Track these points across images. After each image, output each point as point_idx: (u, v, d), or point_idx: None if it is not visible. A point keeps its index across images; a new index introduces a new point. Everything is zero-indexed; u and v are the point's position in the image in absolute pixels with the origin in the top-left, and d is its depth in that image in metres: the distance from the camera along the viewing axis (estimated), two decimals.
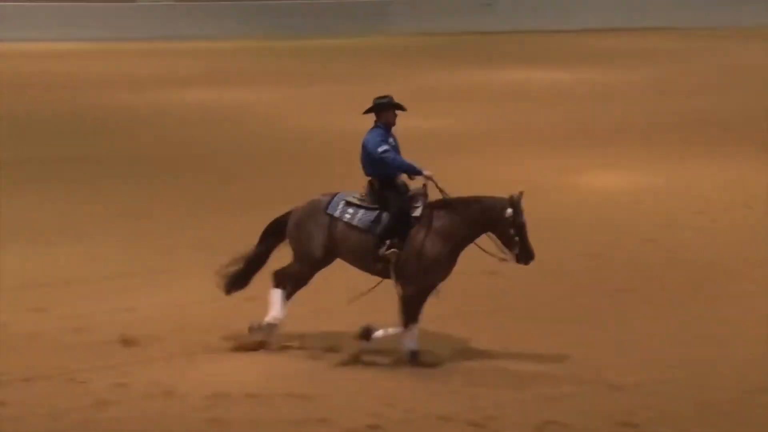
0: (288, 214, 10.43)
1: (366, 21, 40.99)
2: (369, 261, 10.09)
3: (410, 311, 9.97)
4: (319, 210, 10.26)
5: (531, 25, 41.07)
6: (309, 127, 21.90)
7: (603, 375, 9.64)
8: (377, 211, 10.11)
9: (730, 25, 40.05)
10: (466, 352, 10.15)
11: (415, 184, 10.30)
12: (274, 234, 10.51)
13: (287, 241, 10.42)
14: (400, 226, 9.97)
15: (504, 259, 9.91)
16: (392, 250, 9.94)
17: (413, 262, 9.90)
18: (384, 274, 10.05)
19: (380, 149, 10.07)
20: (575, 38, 38.31)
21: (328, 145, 19.89)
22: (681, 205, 15.37)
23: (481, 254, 9.99)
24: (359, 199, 10.23)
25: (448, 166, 18.58)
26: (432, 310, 10.21)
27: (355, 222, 10.15)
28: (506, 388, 9.48)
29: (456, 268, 10.03)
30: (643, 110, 23.59)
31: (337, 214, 10.20)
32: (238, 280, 10.54)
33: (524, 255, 9.84)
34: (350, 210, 10.19)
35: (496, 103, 24.91)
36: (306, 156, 19.25)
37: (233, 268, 10.53)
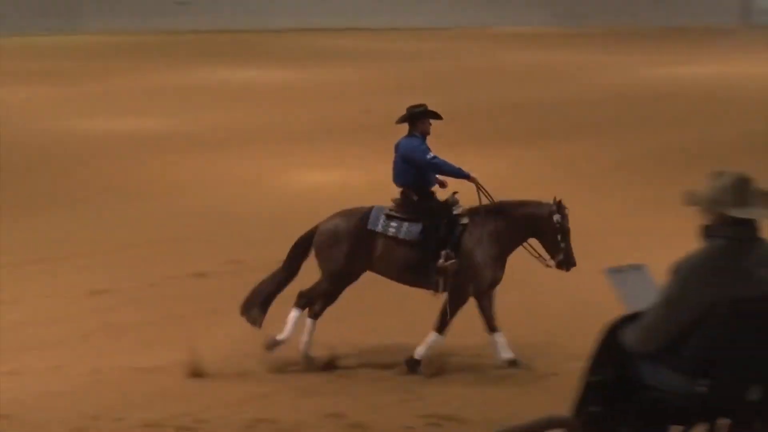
0: (313, 231, 9.95)
1: (57, 19, 39.73)
2: (421, 274, 9.75)
3: (451, 319, 9.74)
4: (357, 226, 9.88)
5: (228, 25, 41.00)
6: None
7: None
8: (420, 223, 9.82)
9: (455, 26, 41.92)
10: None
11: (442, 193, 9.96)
12: (299, 255, 9.96)
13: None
14: (452, 235, 9.75)
15: (548, 265, 9.72)
16: (452, 261, 9.66)
17: (466, 270, 9.68)
18: (435, 286, 9.72)
19: (429, 156, 9.77)
20: (274, 38, 38.55)
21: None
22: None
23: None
24: (397, 212, 9.89)
25: (151, 164, 18.31)
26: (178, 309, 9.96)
27: (402, 236, 9.82)
28: (215, 389, 9.39)
29: (165, 272, 9.81)
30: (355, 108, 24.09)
31: (379, 228, 9.85)
32: (263, 306, 9.90)
33: (567, 261, 9.70)
34: (393, 224, 9.86)
35: (187, 103, 24.76)
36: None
37: (256, 298, 9.92)
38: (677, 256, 5.78)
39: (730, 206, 5.75)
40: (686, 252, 5.79)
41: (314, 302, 9.96)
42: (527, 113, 23.63)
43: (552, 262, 9.69)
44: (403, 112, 9.86)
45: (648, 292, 5.93)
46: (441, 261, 9.66)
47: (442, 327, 9.72)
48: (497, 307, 9.85)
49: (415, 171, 9.86)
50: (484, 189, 9.82)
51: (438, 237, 9.74)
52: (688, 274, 5.70)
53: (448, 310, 9.67)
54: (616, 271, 6.24)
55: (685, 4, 44.79)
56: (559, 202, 9.68)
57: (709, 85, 26.90)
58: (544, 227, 9.68)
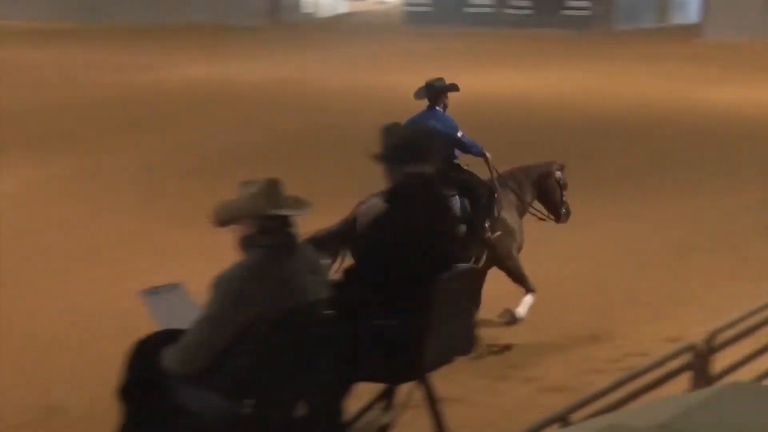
0: (351, 222, 8.93)
1: None
2: (461, 248, 8.98)
3: (524, 276, 10.00)
4: None
5: None
6: None
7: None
8: (458, 197, 9.60)
9: None
10: None
11: None
12: (340, 243, 8.81)
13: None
14: (490, 207, 9.90)
15: (543, 219, 10.40)
16: (498, 232, 9.89)
17: (505, 238, 9.93)
18: (475, 260, 9.67)
19: (459, 132, 9.82)
20: None
21: None
22: None
23: None
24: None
25: None
26: None
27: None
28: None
29: None
30: None
31: None
32: None
33: (567, 213, 10.51)
34: None
35: None
36: None
37: None
38: (217, 271, 5.54)
39: (266, 208, 5.61)
40: (226, 266, 5.56)
41: None
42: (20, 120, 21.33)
43: (554, 217, 10.46)
44: None
45: (187, 312, 5.64)
46: (488, 233, 9.86)
47: (528, 286, 10.03)
48: None
49: (449, 146, 9.77)
50: (492, 166, 10.11)
51: (484, 208, 9.86)
52: (227, 288, 5.48)
53: (516, 275, 10.00)
54: (151, 293, 5.90)
55: (212, 1, 45.00)
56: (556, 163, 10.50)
57: (232, 86, 27.04)
58: (552, 185, 10.41)
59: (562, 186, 10.48)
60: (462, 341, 6.69)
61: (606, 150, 18.82)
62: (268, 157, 17.44)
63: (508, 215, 10.09)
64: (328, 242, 8.95)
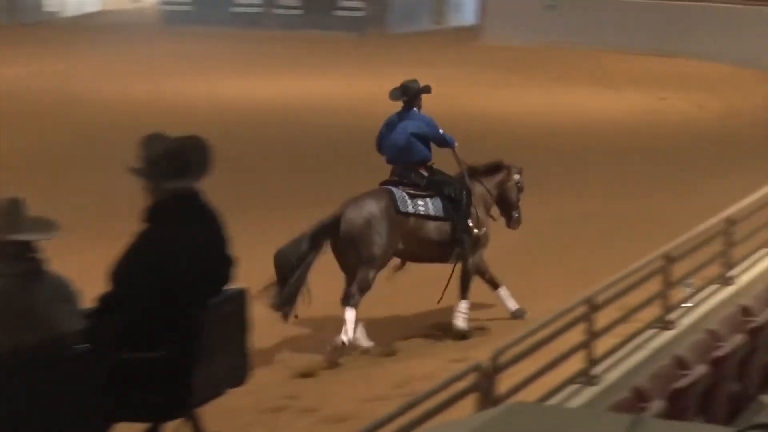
0: (336, 219, 10.30)
1: None
2: (447, 248, 10.77)
3: (471, 282, 10.87)
4: (388, 208, 10.47)
5: None
6: None
7: None
8: (437, 197, 10.74)
9: None
10: None
11: None
12: (320, 243, 10.18)
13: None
14: (469, 205, 10.85)
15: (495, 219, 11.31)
16: (484, 228, 10.93)
17: (478, 236, 10.87)
18: (457, 257, 10.78)
19: (441, 130, 10.90)
20: None
21: None
22: None
23: None
24: (418, 190, 10.71)
25: None
26: None
27: (432, 212, 10.71)
28: None
29: None
30: None
31: (410, 209, 10.60)
32: (290, 298, 9.99)
33: (518, 220, 11.44)
34: (420, 202, 10.71)
35: None
36: None
37: (282, 290, 9.97)
38: None
39: (6, 232, 5.46)
40: None
41: (355, 295, 10.31)
42: None
43: (505, 219, 11.37)
44: None
45: None
46: (476, 231, 10.85)
47: (466, 292, 10.84)
48: None
49: (427, 146, 10.83)
50: (459, 158, 11.09)
51: (464, 207, 10.81)
52: None
53: (468, 276, 10.85)
54: None
55: None
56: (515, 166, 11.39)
57: None
58: (510, 186, 11.31)
59: (520, 189, 11.44)
60: (234, 372, 6.66)
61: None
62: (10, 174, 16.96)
63: (480, 211, 11.07)
64: (316, 235, 10.17)
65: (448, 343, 10.42)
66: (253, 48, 34.53)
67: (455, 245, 10.77)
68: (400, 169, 10.80)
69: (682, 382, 6.90)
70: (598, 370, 8.12)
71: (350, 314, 10.20)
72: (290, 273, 9.99)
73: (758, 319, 8.17)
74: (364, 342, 10.25)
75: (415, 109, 10.97)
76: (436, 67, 30.41)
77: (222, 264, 6.52)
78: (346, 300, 10.28)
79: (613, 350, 8.48)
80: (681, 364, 7.44)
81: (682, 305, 9.46)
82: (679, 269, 9.36)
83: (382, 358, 10.06)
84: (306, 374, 9.68)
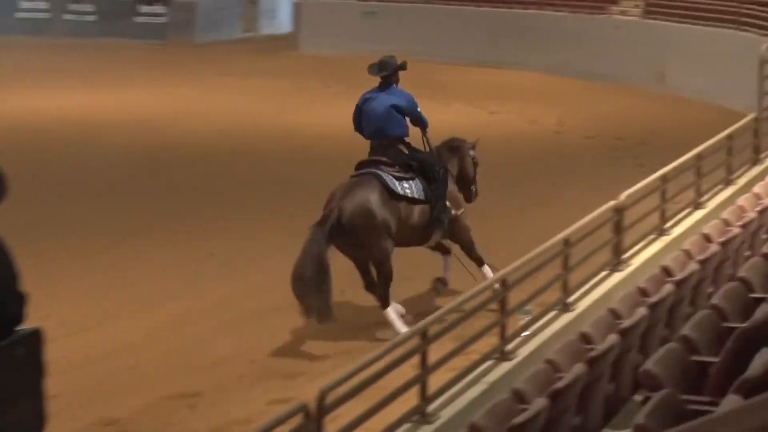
0: (337, 212, 11.05)
1: None
2: (428, 231, 11.75)
3: (477, 249, 12.03)
4: (383, 193, 11.28)
5: None
6: None
7: None
8: (416, 179, 11.60)
9: None
10: None
11: None
12: (329, 243, 10.92)
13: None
14: (446, 183, 11.86)
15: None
16: (462, 209, 12.06)
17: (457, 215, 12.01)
18: (433, 240, 11.89)
19: (418, 107, 11.94)
20: None
21: None
22: None
23: None
24: (398, 171, 11.51)
25: None
26: None
27: (416, 195, 11.56)
28: None
29: None
30: None
31: (399, 191, 11.41)
32: (326, 305, 10.78)
33: (476, 193, 12.58)
34: (406, 184, 11.51)
35: None
36: None
37: (315, 302, 10.73)
38: None
39: None
40: None
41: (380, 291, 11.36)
42: None
43: (465, 196, 12.31)
44: None
45: None
46: (454, 211, 11.85)
47: (481, 259, 11.98)
48: None
49: (406, 122, 11.73)
50: (427, 137, 12.07)
51: (441, 188, 11.70)
52: None
53: (469, 247, 11.98)
54: None
55: None
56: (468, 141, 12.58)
57: None
58: (469, 162, 12.42)
59: (476, 164, 12.56)
60: (29, 422, 6.49)
61: (186, 181, 18.90)
62: None
63: (453, 187, 12.25)
64: (322, 239, 10.97)
65: (269, 383, 10.36)
66: (42, 57, 33.87)
67: (434, 228, 11.76)
68: (380, 146, 11.78)
69: (520, 418, 6.98)
70: (432, 407, 8.18)
71: (392, 313, 11.31)
72: (314, 283, 10.81)
73: (598, 348, 8.35)
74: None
75: (393, 85, 11.93)
76: (251, 77, 30.35)
77: (11, 301, 6.32)
78: (381, 303, 11.38)
79: (448, 385, 8.56)
80: (520, 398, 7.54)
81: (522, 334, 9.62)
82: (516, 296, 9.50)
83: (197, 400, 9.94)
84: (111, 422, 9.51)
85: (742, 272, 9.19)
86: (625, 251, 11.68)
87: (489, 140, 23.49)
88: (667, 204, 12.71)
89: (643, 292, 9.54)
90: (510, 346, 9.34)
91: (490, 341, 9.30)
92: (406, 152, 11.76)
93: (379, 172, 11.40)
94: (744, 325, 7.77)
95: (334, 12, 35.80)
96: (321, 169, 18.21)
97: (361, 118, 11.83)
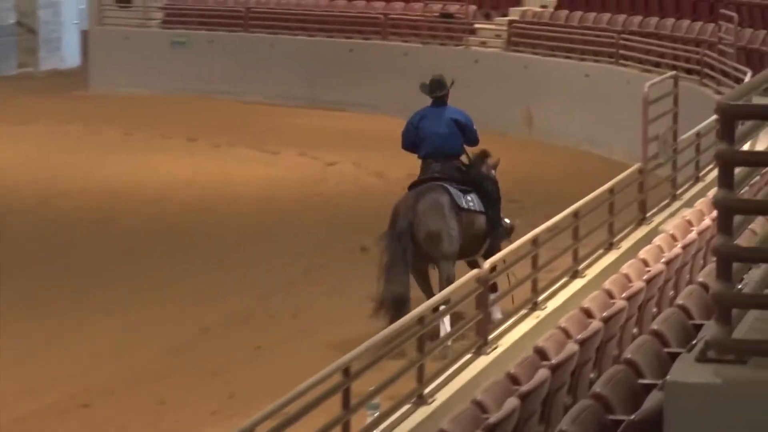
0: (400, 221, 14.18)
1: None
2: (481, 242, 14.73)
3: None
4: (450, 202, 14.40)
5: None
6: None
7: None
8: (474, 192, 14.60)
9: None
10: None
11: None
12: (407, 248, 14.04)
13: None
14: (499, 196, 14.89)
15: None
16: (517, 220, 14.96)
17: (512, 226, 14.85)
18: (483, 248, 14.70)
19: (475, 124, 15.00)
20: None
21: None
22: None
23: None
24: (459, 184, 14.54)
25: None
26: None
27: (476, 207, 14.58)
28: None
29: None
30: None
31: (463, 204, 14.48)
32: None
33: None
34: (468, 197, 14.55)
35: None
36: None
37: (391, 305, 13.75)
38: None
39: None
40: None
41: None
42: None
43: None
44: None
45: None
46: (507, 221, 14.69)
47: (496, 285, 13.27)
48: None
49: (462, 139, 14.81)
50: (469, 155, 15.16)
51: (497, 201, 14.67)
52: None
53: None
54: None
55: None
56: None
57: None
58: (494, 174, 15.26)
59: (495, 182, 15.13)
60: None
61: None
62: None
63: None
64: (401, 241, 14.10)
65: None
66: None
67: (486, 239, 14.62)
68: (440, 164, 14.87)
69: None
70: None
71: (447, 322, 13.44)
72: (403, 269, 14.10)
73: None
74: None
75: (447, 103, 15.14)
76: (29, 123, 29.85)
77: None
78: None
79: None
80: None
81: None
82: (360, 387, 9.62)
83: None
84: None
85: (628, 353, 9.26)
86: (492, 331, 11.76)
87: (326, 199, 23.46)
88: (539, 273, 12.77)
89: (514, 380, 9.62)
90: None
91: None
92: (464, 168, 14.91)
93: (441, 183, 14.54)
94: (631, 417, 7.87)
95: (132, 42, 35.13)
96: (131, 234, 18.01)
97: (417, 136, 15.01)
